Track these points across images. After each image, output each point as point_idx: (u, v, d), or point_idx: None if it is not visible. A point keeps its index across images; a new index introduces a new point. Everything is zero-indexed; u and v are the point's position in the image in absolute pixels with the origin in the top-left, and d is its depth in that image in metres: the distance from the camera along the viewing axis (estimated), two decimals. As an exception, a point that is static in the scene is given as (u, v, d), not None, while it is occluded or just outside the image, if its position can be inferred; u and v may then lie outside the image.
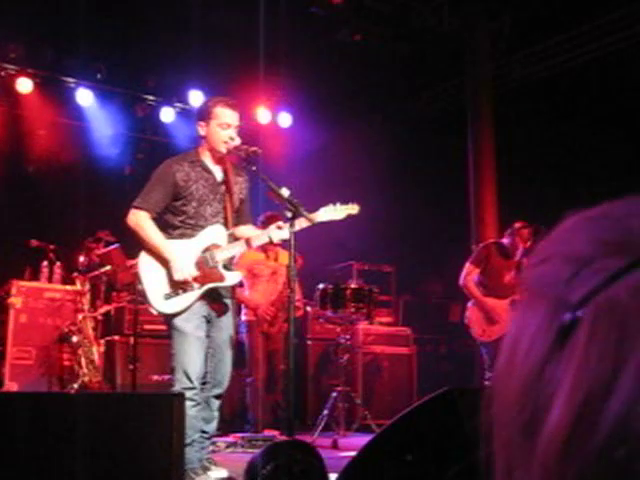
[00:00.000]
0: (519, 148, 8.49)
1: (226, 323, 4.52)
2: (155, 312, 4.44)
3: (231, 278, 4.50)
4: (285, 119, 9.96)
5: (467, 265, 6.72)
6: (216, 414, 4.54)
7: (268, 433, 6.56)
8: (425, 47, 8.93)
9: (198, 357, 4.33)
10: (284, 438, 5.84)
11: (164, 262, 4.37)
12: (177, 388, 4.28)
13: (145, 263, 4.42)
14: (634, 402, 0.42)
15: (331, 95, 9.53)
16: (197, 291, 4.37)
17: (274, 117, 9.89)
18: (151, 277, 4.39)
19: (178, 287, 4.36)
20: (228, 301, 4.55)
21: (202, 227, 4.46)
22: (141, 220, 4.39)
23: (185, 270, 4.32)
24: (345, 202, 4.67)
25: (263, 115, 9.75)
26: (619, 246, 0.46)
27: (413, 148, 9.39)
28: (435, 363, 8.90)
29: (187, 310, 4.35)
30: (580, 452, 0.44)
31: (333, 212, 4.61)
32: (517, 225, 6.66)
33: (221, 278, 4.44)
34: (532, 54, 8.90)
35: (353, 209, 4.67)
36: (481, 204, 8.46)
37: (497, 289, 6.66)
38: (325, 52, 8.89)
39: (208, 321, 4.46)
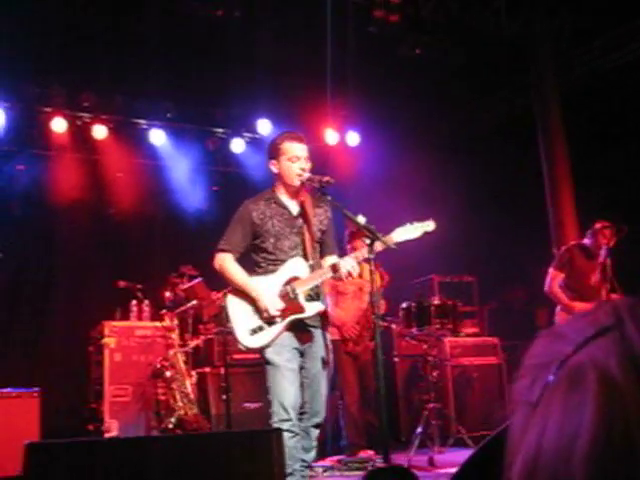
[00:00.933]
0: (592, 145, 8.31)
1: (318, 353, 4.58)
2: (243, 348, 4.57)
3: (311, 309, 4.55)
4: (353, 138, 10.02)
5: (551, 271, 6.64)
6: (315, 443, 4.60)
7: (364, 454, 6.58)
8: (487, 52, 8.87)
9: (292, 388, 4.41)
10: (380, 459, 5.88)
11: (249, 299, 4.51)
12: (274, 420, 4.37)
13: (232, 302, 4.57)
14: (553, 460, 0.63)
15: (397, 109, 9.56)
16: (280, 324, 4.47)
17: (342, 137, 9.96)
18: (237, 314, 4.53)
19: (262, 322, 4.48)
20: (317, 331, 4.61)
21: (282, 261, 4.56)
22: (225, 262, 4.58)
23: (271, 307, 4.44)
24: (420, 220, 4.69)
25: (331, 136, 9.84)
26: (556, 353, 0.68)
27: (485, 155, 9.31)
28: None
29: (275, 343, 4.45)
30: None
31: (409, 231, 4.63)
32: (598, 225, 6.54)
33: (302, 310, 4.51)
34: (594, 49, 8.70)
35: (429, 226, 4.68)
36: (559, 206, 8.33)
37: (584, 292, 6.55)
38: (388, 68, 8.92)
39: (301, 353, 4.54)
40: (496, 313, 9.07)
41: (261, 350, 4.47)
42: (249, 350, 4.58)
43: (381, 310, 7.02)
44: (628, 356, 0.64)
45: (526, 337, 8.13)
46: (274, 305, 4.45)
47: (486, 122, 9.81)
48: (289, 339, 4.48)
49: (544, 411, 0.67)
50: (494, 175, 9.29)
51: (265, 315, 4.45)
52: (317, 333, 4.61)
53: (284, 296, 4.49)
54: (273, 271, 4.56)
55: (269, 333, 4.46)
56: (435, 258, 8.79)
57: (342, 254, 6.74)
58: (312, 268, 4.58)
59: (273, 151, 4.67)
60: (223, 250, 4.59)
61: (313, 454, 4.64)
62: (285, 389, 4.38)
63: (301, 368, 4.53)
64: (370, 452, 6.66)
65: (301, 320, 4.53)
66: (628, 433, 0.60)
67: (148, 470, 3.15)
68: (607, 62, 8.53)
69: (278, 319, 4.47)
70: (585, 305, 6.46)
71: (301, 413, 4.52)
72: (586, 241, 6.71)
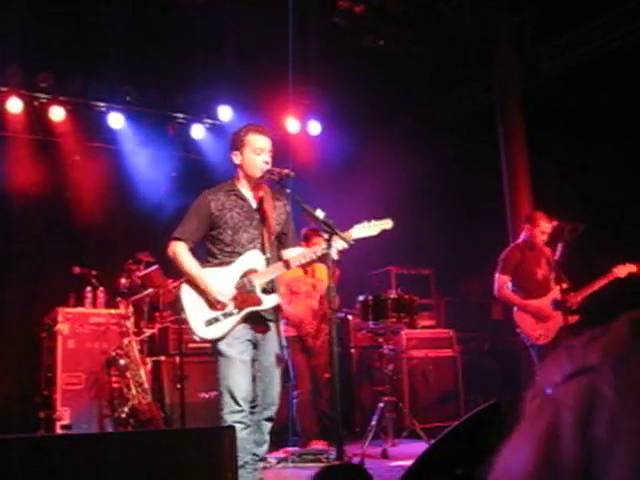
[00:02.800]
0: (551, 142, 8.39)
1: (272, 346, 4.58)
2: (198, 338, 4.53)
3: (268, 301, 4.54)
4: (314, 127, 9.99)
5: (497, 276, 6.64)
6: (267, 437, 4.59)
7: (317, 446, 6.59)
8: (450, 47, 8.89)
9: (244, 381, 4.39)
10: (333, 451, 5.89)
11: (202, 290, 4.47)
12: (225, 411, 4.35)
13: (186, 292, 4.52)
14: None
15: (360, 101, 9.53)
16: (236, 316, 4.44)
17: (303, 126, 9.92)
18: (192, 305, 4.49)
19: (218, 313, 4.44)
20: (272, 324, 4.61)
21: (239, 254, 4.53)
22: (178, 250, 4.53)
23: (221, 296, 4.41)
24: (378, 218, 4.68)
25: (292, 124, 9.79)
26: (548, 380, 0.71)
27: (445, 149, 9.34)
28: (479, 362, 8.86)
29: (229, 335, 4.42)
30: None
31: (367, 229, 4.62)
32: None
33: (259, 302, 4.49)
34: (558, 45, 8.76)
35: (387, 224, 4.67)
36: (516, 201, 8.40)
37: (533, 288, 6.59)
38: (352, 59, 8.89)
39: (254, 345, 4.53)
40: (452, 305, 9.15)
41: (214, 341, 4.44)
42: (203, 341, 4.54)
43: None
44: (588, 403, 0.67)
45: (481, 330, 8.21)
46: (225, 295, 4.42)
47: (447, 115, 9.85)
48: (243, 331, 4.46)
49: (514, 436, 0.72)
50: (453, 168, 9.34)
51: (218, 307, 4.42)
52: (272, 326, 4.61)
53: (240, 288, 4.46)
54: (229, 263, 4.52)
55: (224, 325, 4.43)
56: (392, 250, 8.82)
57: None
58: (268, 261, 4.56)
59: (236, 142, 4.61)
60: (177, 239, 4.55)
61: (265, 448, 4.62)
62: (236, 381, 4.36)
63: (254, 360, 4.52)
64: (323, 443, 6.68)
65: (257, 313, 4.52)
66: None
67: (99, 467, 3.11)
68: (570, 59, 8.60)
69: (235, 311, 4.45)
70: (540, 301, 6.51)
71: (253, 406, 4.51)
72: (522, 236, 6.76)
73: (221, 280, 4.46)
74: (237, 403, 4.34)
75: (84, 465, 3.12)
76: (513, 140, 8.50)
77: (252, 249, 4.55)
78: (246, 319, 4.48)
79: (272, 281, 4.63)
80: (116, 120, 9.02)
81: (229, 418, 4.31)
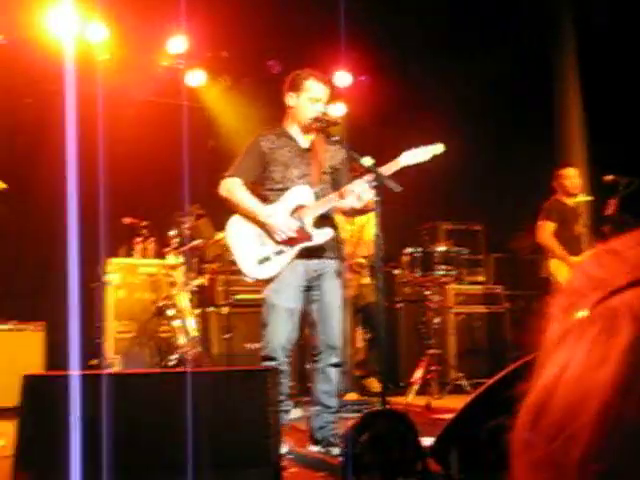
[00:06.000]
0: (608, 93, 8.12)
1: (330, 284, 4.44)
2: (250, 280, 4.41)
3: (319, 236, 4.39)
4: (364, 81, 9.87)
5: (541, 223, 6.53)
6: (335, 387, 4.44)
7: (362, 399, 6.63)
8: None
9: (285, 329, 4.31)
10: (378, 403, 5.90)
11: (255, 228, 4.37)
12: (262, 354, 4.37)
13: (234, 232, 4.44)
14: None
15: (411, 48, 9.34)
16: (288, 254, 4.33)
17: (354, 79, 9.81)
18: (242, 245, 4.39)
19: (269, 252, 4.34)
20: (330, 261, 4.47)
21: (289, 189, 4.44)
22: (233, 186, 4.42)
23: (285, 228, 4.31)
24: (427, 143, 4.37)
25: (343, 78, 9.69)
26: (600, 282, 0.62)
27: (499, 96, 9.09)
28: (528, 320, 8.75)
29: (279, 280, 4.32)
30: None
31: (417, 155, 4.31)
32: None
33: (310, 238, 4.38)
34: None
35: (438, 149, 4.36)
36: (571, 157, 8.22)
37: (569, 244, 6.47)
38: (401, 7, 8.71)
39: (309, 288, 4.42)
40: (502, 262, 9.01)
41: (264, 283, 4.36)
42: (257, 281, 4.42)
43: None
44: None
45: (531, 287, 8.05)
46: (288, 226, 4.32)
47: (499, 64, 9.53)
48: (293, 276, 4.35)
49: (573, 344, 0.64)
50: (507, 121, 9.10)
51: (278, 238, 4.31)
52: (329, 263, 4.47)
53: None
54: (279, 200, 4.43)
55: (277, 263, 4.33)
56: (442, 204, 8.72)
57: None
58: (317, 196, 4.43)
59: (295, 83, 4.49)
60: (231, 175, 4.45)
61: (336, 399, 4.48)
62: (277, 328, 4.30)
63: (314, 302, 4.42)
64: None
65: (311, 248, 4.40)
66: None
67: (144, 405, 3.17)
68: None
69: (285, 248, 4.33)
70: (576, 259, 6.34)
71: (317, 353, 4.42)
72: (559, 191, 6.67)
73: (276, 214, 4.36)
74: (273, 350, 4.29)
75: (135, 401, 3.19)
76: (568, 88, 8.33)
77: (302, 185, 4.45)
78: (301, 256, 4.36)
79: (327, 216, 4.48)
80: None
81: (263, 364, 4.29)
